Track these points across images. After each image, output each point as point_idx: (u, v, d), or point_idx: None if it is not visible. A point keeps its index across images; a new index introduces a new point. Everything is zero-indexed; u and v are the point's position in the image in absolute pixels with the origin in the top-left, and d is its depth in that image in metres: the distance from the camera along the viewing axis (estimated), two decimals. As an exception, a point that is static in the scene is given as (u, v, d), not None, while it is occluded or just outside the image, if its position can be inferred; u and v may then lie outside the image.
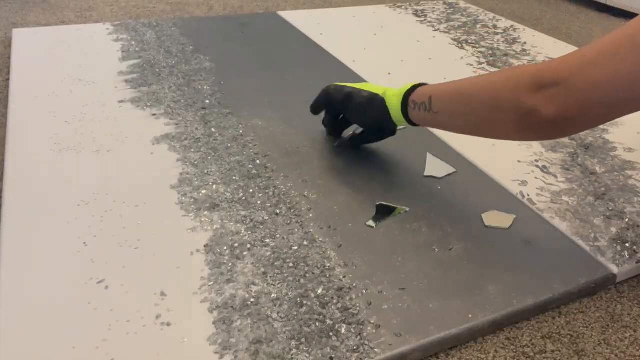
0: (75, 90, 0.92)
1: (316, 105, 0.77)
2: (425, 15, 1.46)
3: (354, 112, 0.70)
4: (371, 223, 0.63)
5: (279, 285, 0.53)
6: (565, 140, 0.84)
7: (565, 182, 0.73)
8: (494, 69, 1.10)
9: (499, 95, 0.53)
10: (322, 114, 0.79)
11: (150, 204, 0.64)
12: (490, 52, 1.20)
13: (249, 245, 0.58)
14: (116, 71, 0.99)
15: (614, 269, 0.58)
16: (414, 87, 0.65)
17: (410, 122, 0.65)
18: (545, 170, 0.76)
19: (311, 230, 0.61)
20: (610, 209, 0.68)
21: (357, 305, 0.51)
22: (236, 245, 0.58)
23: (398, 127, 0.71)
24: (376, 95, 0.68)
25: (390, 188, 0.69)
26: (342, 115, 0.77)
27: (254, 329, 0.48)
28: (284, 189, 0.68)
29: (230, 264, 0.55)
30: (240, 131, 0.81)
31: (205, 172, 0.70)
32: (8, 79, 0.97)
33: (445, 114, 0.59)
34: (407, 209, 0.65)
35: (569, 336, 0.52)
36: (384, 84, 1.01)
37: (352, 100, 0.69)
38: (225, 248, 0.57)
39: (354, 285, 0.53)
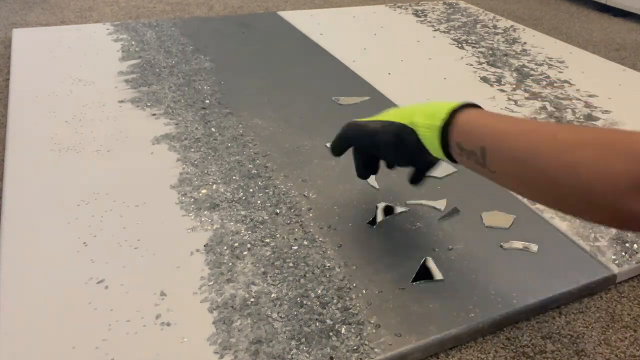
0: (75, 90, 0.92)
1: (338, 148, 0.63)
2: (425, 15, 1.46)
3: (384, 154, 0.58)
4: (371, 223, 0.63)
5: (279, 285, 0.53)
6: (565, 140, 0.84)
7: (565, 182, 0.73)
8: (494, 69, 1.10)
9: (591, 189, 0.41)
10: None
11: (150, 204, 0.64)
12: (490, 52, 1.20)
13: (249, 245, 0.58)
14: (116, 71, 0.99)
15: (614, 269, 0.58)
16: (450, 115, 0.49)
17: (454, 160, 0.51)
18: (545, 170, 0.75)
19: (311, 230, 0.61)
20: (610, 209, 0.67)
21: (357, 305, 0.51)
22: (236, 245, 0.58)
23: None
24: (404, 127, 0.53)
25: (391, 188, 0.69)
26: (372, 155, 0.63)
27: (254, 328, 0.48)
28: (284, 189, 0.68)
29: (230, 264, 0.55)
30: (240, 131, 0.81)
31: (205, 171, 0.70)
32: (8, 79, 0.97)
33: (509, 178, 0.46)
34: (407, 209, 0.65)
35: (569, 336, 0.52)
36: (383, 84, 1.01)
37: (378, 139, 0.56)
38: (225, 248, 0.57)
39: (354, 285, 0.53)
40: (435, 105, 0.52)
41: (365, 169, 0.62)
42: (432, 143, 0.51)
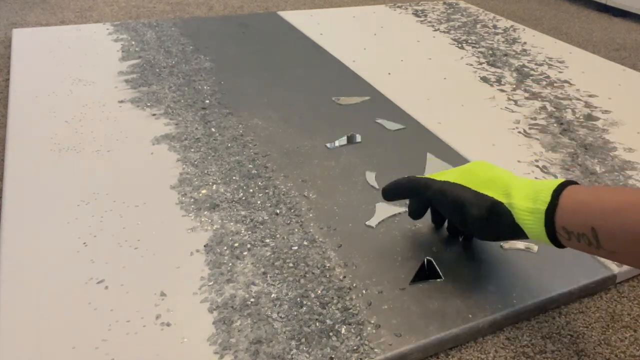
0: (75, 90, 0.92)
1: (395, 196, 0.61)
2: (425, 15, 1.46)
3: (470, 227, 0.52)
4: (371, 223, 0.63)
5: (279, 285, 0.53)
6: (565, 140, 0.84)
7: (565, 182, 0.73)
8: (494, 69, 1.10)
9: None
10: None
11: (150, 204, 0.64)
12: (490, 52, 1.20)
13: (249, 245, 0.58)
14: (116, 71, 0.99)
15: (614, 269, 0.58)
16: (554, 196, 0.45)
17: (560, 245, 0.47)
18: (545, 170, 0.76)
19: (311, 230, 0.61)
20: (610, 209, 0.67)
21: (357, 305, 0.51)
22: (236, 245, 0.58)
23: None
24: (499, 205, 0.49)
25: (390, 188, 0.69)
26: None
27: (254, 329, 0.48)
28: (284, 189, 0.68)
29: (230, 264, 0.55)
30: (240, 131, 0.81)
31: (205, 172, 0.70)
32: (8, 79, 0.97)
33: (631, 256, 0.42)
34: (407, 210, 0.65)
35: (569, 336, 0.52)
36: (383, 84, 1.01)
37: (467, 210, 0.51)
38: (225, 248, 0.57)
39: (354, 285, 0.53)
40: (532, 184, 0.48)
41: (422, 213, 0.60)
42: (533, 228, 0.47)
